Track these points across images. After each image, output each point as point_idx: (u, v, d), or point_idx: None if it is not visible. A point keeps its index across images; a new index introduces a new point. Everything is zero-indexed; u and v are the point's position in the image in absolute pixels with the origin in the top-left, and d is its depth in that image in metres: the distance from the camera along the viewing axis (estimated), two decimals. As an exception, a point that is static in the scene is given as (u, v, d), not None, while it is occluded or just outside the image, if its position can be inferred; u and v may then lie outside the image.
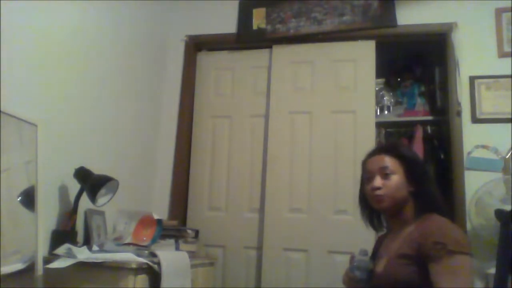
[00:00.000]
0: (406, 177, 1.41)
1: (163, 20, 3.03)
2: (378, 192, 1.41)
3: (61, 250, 1.71)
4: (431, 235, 1.26)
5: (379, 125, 2.97)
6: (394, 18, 2.76)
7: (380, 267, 1.39)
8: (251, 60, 3.01)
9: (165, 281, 1.72)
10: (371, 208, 1.51)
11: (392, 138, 3.09)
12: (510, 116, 2.50)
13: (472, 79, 2.61)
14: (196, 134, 2.99)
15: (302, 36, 2.88)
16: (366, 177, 1.47)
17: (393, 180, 1.40)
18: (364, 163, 1.51)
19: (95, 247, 1.87)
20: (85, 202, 1.94)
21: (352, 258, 1.46)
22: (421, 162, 1.50)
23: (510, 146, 2.47)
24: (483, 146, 2.51)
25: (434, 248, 1.23)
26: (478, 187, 2.38)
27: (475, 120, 2.56)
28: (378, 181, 1.41)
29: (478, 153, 2.51)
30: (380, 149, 1.50)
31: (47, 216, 1.81)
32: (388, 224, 1.54)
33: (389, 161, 1.43)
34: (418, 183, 1.41)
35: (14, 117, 1.59)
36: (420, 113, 3.05)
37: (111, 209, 2.16)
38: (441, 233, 1.27)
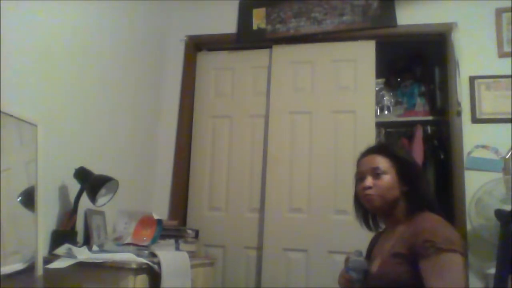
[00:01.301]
0: (398, 177, 1.41)
1: (163, 20, 3.03)
2: (369, 192, 1.42)
3: (61, 250, 1.71)
4: (421, 233, 1.27)
5: (379, 125, 2.97)
6: (394, 18, 2.76)
7: (374, 267, 1.40)
8: (251, 60, 3.01)
9: (165, 281, 1.72)
10: (365, 208, 1.51)
11: (392, 138, 3.09)
12: (510, 116, 2.50)
13: (472, 79, 2.61)
14: (196, 134, 2.99)
15: (302, 36, 2.88)
16: (358, 177, 1.48)
17: (384, 180, 1.40)
18: (357, 163, 1.51)
19: (95, 247, 1.87)
20: (85, 202, 1.94)
21: (347, 259, 1.46)
22: (413, 162, 1.50)
23: (510, 146, 2.47)
24: (483, 146, 2.51)
25: (424, 246, 1.24)
26: (478, 187, 2.38)
27: (475, 120, 2.56)
28: (368, 181, 1.42)
29: (478, 153, 2.51)
30: (372, 149, 1.50)
31: (47, 216, 1.81)
32: (382, 224, 1.55)
33: (380, 161, 1.43)
34: (410, 182, 1.41)
35: (14, 117, 1.59)
36: (420, 113, 3.05)
37: (111, 209, 2.16)
38: (431, 231, 1.27)
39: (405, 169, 1.42)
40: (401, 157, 1.45)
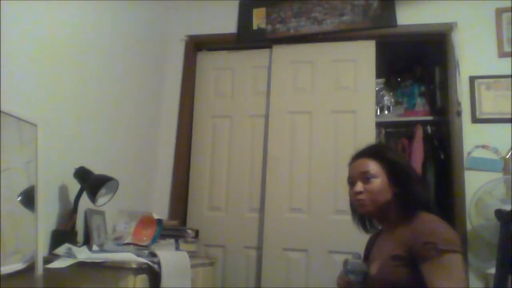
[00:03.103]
0: (389, 179, 1.40)
1: (163, 20, 3.03)
2: (360, 197, 1.41)
3: (61, 250, 1.71)
4: (421, 235, 1.26)
5: (379, 125, 2.97)
6: (394, 18, 2.76)
7: (373, 269, 1.39)
8: (251, 60, 3.01)
9: (165, 281, 1.73)
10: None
11: (392, 138, 3.09)
12: (510, 116, 2.50)
13: (472, 79, 2.61)
14: (196, 134, 2.99)
15: (302, 36, 2.88)
16: (349, 182, 1.48)
17: (374, 184, 1.39)
18: (349, 167, 1.51)
19: (95, 247, 1.87)
20: (85, 202, 1.94)
21: (346, 262, 1.45)
22: (404, 163, 1.48)
23: (510, 146, 2.47)
24: (483, 146, 2.51)
25: (425, 248, 1.23)
26: (478, 187, 2.38)
27: (475, 120, 2.56)
28: (358, 186, 1.42)
29: (478, 153, 2.51)
30: (362, 153, 1.49)
31: (47, 216, 1.81)
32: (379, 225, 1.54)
33: (370, 165, 1.42)
34: (402, 184, 1.40)
35: (14, 117, 1.59)
36: (420, 113, 3.05)
37: (111, 209, 2.17)
38: (430, 232, 1.26)
39: (395, 171, 1.41)
40: (391, 159, 1.43)
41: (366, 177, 1.41)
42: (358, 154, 1.50)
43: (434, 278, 1.21)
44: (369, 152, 1.47)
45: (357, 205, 1.45)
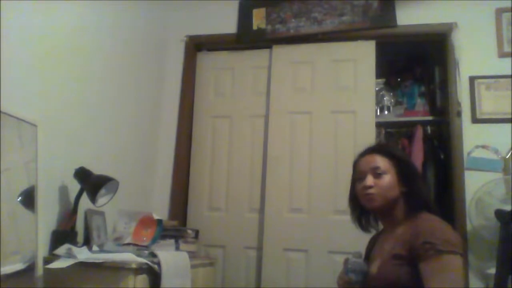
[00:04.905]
0: (398, 177, 1.41)
1: (163, 20, 3.03)
2: (370, 191, 1.41)
3: (61, 250, 1.71)
4: (420, 235, 1.27)
5: (379, 125, 2.97)
6: (394, 18, 2.76)
7: (374, 268, 1.39)
8: (251, 60, 3.01)
9: (165, 281, 1.73)
10: (361, 208, 1.52)
11: (392, 138, 3.09)
12: (510, 116, 2.50)
13: (472, 79, 2.61)
14: (196, 134, 2.99)
15: (302, 36, 2.88)
16: (358, 177, 1.48)
17: (385, 180, 1.40)
18: (355, 164, 1.51)
19: (95, 247, 1.87)
20: (85, 202, 1.94)
21: (346, 261, 1.45)
22: (411, 162, 1.51)
23: (510, 146, 2.47)
24: (483, 146, 2.51)
25: (424, 247, 1.24)
26: (478, 187, 2.38)
27: (475, 120, 2.56)
28: (370, 180, 1.42)
29: (478, 153, 2.51)
30: (372, 149, 1.50)
31: (47, 216, 1.81)
32: (380, 224, 1.55)
33: (381, 161, 1.43)
34: (409, 183, 1.41)
35: (14, 117, 1.59)
36: (420, 113, 3.05)
37: (111, 209, 2.16)
38: (430, 232, 1.26)
39: (404, 170, 1.43)
40: (400, 157, 1.46)
41: (377, 173, 1.42)
42: (367, 150, 1.51)
43: (430, 278, 1.21)
44: (379, 149, 1.49)
45: (366, 199, 1.44)
